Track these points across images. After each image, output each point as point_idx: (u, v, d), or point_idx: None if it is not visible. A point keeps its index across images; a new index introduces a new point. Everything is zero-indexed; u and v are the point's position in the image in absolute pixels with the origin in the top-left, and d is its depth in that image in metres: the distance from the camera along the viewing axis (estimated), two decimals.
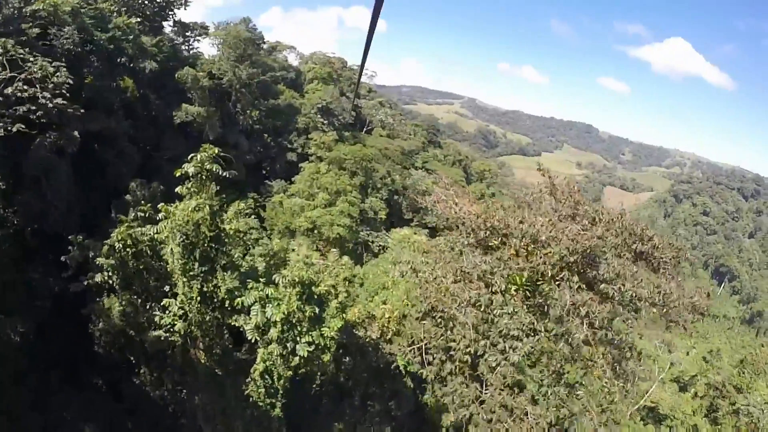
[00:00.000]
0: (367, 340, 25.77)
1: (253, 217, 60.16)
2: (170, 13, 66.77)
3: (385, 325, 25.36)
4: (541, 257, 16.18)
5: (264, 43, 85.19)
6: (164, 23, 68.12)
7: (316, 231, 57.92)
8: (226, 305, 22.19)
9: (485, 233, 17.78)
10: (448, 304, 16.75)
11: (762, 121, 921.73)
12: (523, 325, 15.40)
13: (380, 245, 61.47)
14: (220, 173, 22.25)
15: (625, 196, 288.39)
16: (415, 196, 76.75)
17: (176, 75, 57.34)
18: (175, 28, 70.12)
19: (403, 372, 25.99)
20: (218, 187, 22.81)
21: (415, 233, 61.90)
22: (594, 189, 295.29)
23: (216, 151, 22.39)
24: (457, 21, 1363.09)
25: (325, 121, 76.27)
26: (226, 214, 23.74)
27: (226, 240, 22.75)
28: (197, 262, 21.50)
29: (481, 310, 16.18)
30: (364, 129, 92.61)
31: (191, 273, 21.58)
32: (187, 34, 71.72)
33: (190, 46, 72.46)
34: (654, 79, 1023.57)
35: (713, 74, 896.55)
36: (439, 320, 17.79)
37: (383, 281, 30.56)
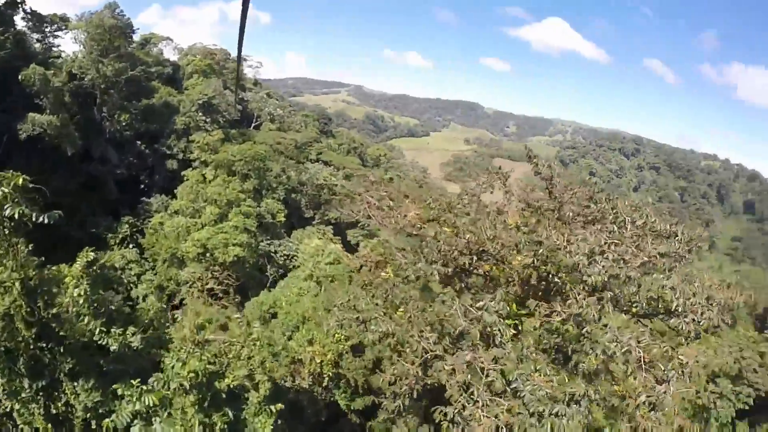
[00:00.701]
0: (296, 388, 20.10)
1: (131, 246, 51.58)
2: (19, 1, 56.08)
3: (317, 370, 19.95)
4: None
5: (134, 33, 72.52)
6: (16, 16, 56.85)
7: (208, 255, 46.35)
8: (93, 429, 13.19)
9: (470, 259, 12.94)
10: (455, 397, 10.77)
11: (635, 88, 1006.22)
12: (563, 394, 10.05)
13: (285, 255, 54.67)
14: (33, 218, 11.56)
15: (514, 165, 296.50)
16: (315, 190, 74.31)
17: (20, 76, 46.77)
18: (29, 22, 59.33)
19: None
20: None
21: (331, 240, 57.04)
22: (483, 162, 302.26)
23: (20, 182, 11.58)
24: (339, 10, 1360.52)
25: (208, 119, 68.37)
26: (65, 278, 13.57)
27: (67, 326, 13.08)
28: (25, 376, 12.63)
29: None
30: (252, 124, 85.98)
31: (22, 396, 12.74)
32: (45, 27, 61.59)
33: (48, 43, 62.67)
34: (534, 56, 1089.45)
35: (589, 49, 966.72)
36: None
37: (302, 310, 24.54)
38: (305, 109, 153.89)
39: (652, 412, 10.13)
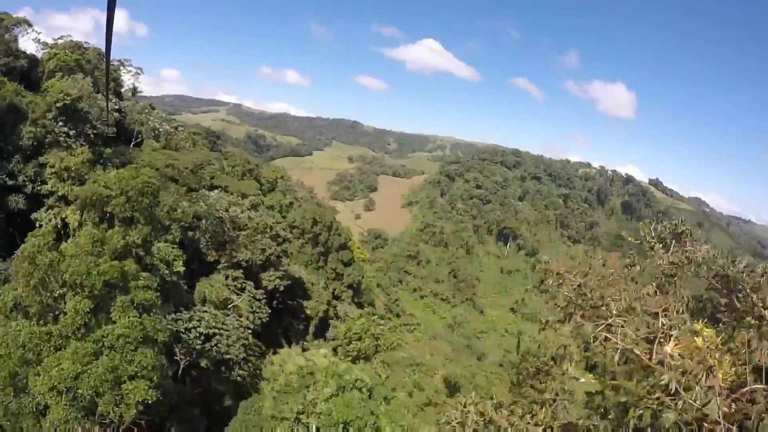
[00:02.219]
0: None
1: None
2: None
3: None
4: None
5: None
6: None
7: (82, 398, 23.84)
8: None
9: None
10: None
11: (505, 104, 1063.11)
12: None
13: (202, 333, 39.01)
14: None
15: (398, 182, 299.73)
16: (217, 226, 59.33)
17: None
18: None
19: None
20: None
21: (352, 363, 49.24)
22: (368, 179, 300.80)
23: None
24: (214, 26, 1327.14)
25: (72, 131, 50.05)
26: None
27: None
28: None
29: None
30: (133, 142, 67.75)
31: None
32: None
33: None
34: (409, 75, 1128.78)
35: (461, 68, 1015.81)
36: None
37: None
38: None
39: None
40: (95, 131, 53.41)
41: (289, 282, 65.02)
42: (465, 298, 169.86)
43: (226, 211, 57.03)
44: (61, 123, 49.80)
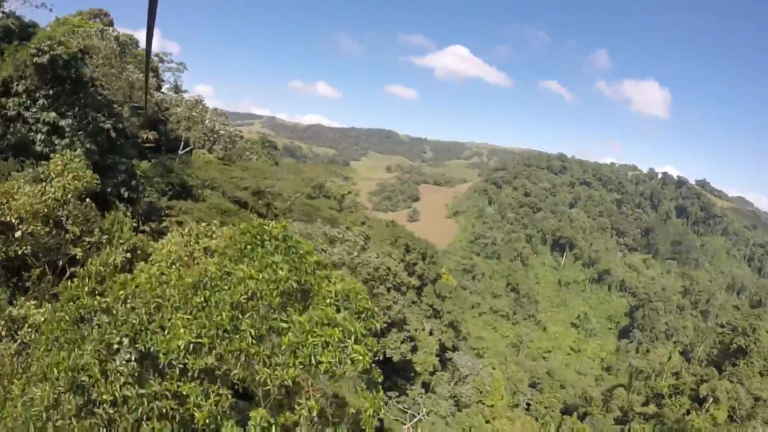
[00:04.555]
0: None
1: None
2: None
3: None
4: None
5: None
6: None
7: None
8: None
9: None
10: None
11: (537, 108, 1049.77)
12: None
13: None
14: None
15: (440, 191, 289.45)
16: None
17: None
18: None
19: None
20: None
21: None
22: (410, 189, 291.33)
23: None
24: (244, 42, 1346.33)
25: (65, 121, 28.49)
26: None
27: None
28: None
29: None
30: (181, 151, 52.19)
31: None
32: None
33: None
34: (439, 83, 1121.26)
35: (491, 74, 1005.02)
36: None
37: None
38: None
39: None
40: (116, 127, 31.92)
41: (412, 342, 52.08)
42: (527, 315, 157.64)
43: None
44: (43, 101, 28.11)
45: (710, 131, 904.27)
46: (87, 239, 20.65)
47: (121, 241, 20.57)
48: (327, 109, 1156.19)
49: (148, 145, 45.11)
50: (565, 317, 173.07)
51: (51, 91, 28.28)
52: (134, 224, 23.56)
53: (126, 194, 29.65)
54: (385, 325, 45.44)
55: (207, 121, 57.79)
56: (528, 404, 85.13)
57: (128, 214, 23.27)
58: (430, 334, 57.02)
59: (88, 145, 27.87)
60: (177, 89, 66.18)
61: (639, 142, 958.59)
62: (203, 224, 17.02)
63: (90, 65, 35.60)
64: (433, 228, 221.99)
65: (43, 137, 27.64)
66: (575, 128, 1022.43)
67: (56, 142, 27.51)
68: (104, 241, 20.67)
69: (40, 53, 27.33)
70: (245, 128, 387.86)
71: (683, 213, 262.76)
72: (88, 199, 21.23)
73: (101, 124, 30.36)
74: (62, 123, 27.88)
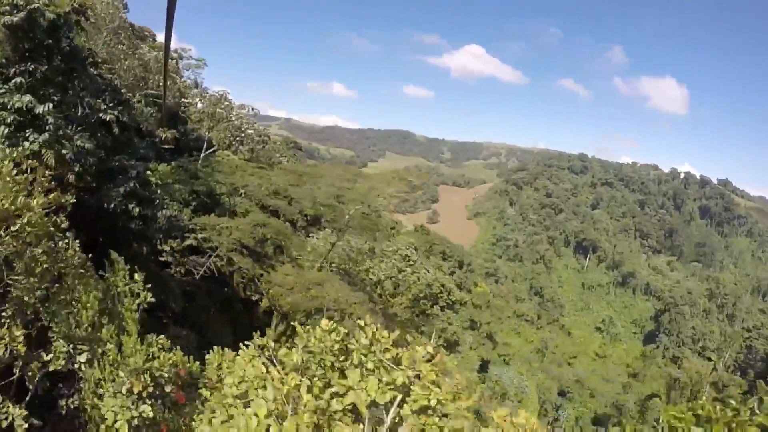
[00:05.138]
0: None
1: None
2: None
3: None
4: None
5: None
6: None
7: None
8: None
9: None
10: None
11: (553, 106, 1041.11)
12: None
13: None
14: None
15: (460, 192, 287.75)
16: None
17: None
18: None
19: None
20: None
21: None
22: (429, 190, 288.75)
23: None
24: (259, 44, 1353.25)
25: (47, 108, 18.91)
26: None
27: None
28: None
29: None
30: (203, 152, 43.94)
31: None
32: None
33: None
34: (455, 82, 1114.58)
35: (506, 73, 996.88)
36: None
37: None
38: None
39: None
40: (122, 120, 23.35)
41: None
42: (551, 319, 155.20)
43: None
44: (20, 79, 19.19)
45: (730, 128, 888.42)
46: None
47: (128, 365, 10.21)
48: (343, 110, 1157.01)
49: (167, 146, 38.05)
50: (590, 321, 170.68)
51: (31, 67, 18.79)
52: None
53: (137, 210, 21.42)
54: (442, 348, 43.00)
55: (234, 119, 50.67)
56: (557, 413, 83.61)
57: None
58: (471, 348, 55.42)
59: (80, 142, 18.67)
60: (197, 87, 59.56)
61: (657, 140, 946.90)
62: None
63: (90, 34, 30.27)
64: (454, 230, 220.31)
65: (6, 130, 17.97)
66: (592, 126, 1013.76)
67: (31, 137, 18.10)
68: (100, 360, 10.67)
69: (14, 10, 19.08)
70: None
71: (707, 213, 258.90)
72: (68, 237, 11.56)
73: (102, 115, 21.35)
74: (40, 110, 17.84)
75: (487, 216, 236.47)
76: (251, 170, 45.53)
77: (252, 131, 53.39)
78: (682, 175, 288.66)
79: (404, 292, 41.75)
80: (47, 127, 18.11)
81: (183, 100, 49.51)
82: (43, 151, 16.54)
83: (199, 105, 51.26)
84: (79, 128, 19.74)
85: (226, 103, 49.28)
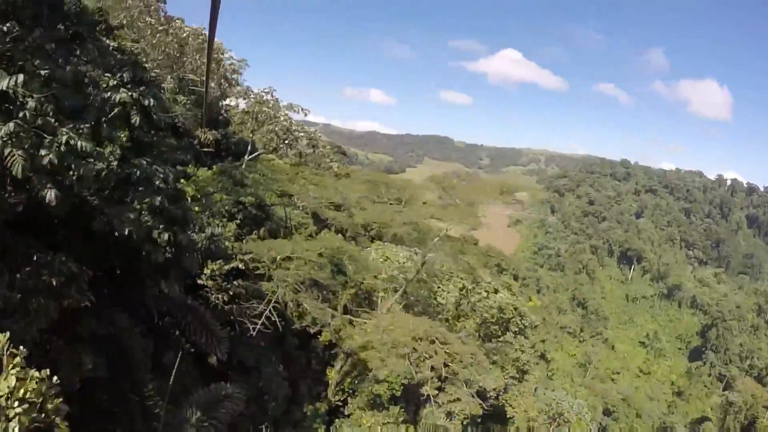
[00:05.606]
0: None
1: None
2: None
3: None
4: None
5: None
6: None
7: None
8: None
9: None
10: None
11: (592, 111, 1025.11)
12: None
13: None
14: None
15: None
16: None
17: None
18: None
19: None
20: None
21: None
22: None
23: None
24: (296, 51, 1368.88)
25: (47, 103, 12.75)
26: None
27: None
28: None
29: None
30: (247, 156, 40.22)
31: None
32: None
33: None
34: (492, 88, 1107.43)
35: (544, 77, 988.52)
36: None
37: None
38: None
39: None
40: (145, 107, 14.66)
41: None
42: (594, 332, 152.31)
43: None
44: None
45: None
46: None
47: None
48: (381, 116, 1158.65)
49: (207, 149, 33.85)
50: (633, 335, 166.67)
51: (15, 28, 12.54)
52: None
53: (165, 236, 14.33)
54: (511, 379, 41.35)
55: (282, 119, 44.32)
56: None
57: None
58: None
59: (71, 139, 11.42)
60: (238, 85, 50.57)
61: (700, 145, 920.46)
62: None
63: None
64: (494, 238, 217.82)
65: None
66: (632, 131, 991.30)
67: None
68: None
69: None
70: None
71: (755, 222, 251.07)
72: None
73: (112, 95, 14.05)
74: (4, 84, 10.84)
75: (528, 224, 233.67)
76: (313, 177, 42.87)
77: (302, 133, 47.86)
78: (729, 183, 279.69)
79: (470, 314, 38.57)
80: (22, 112, 11.02)
81: (224, 102, 46.71)
82: (6, 151, 10.10)
83: (242, 105, 47.19)
84: (73, 116, 12.84)
85: (273, 101, 43.66)
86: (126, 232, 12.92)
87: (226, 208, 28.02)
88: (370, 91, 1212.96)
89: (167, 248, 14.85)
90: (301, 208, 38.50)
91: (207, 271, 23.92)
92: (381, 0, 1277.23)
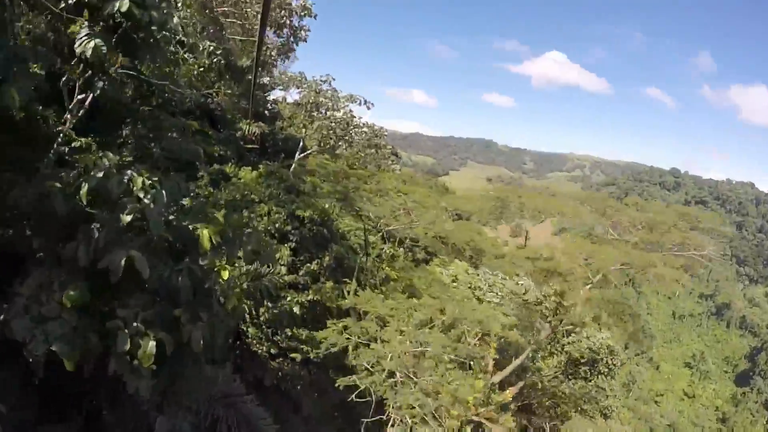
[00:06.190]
0: None
1: None
2: None
3: None
4: None
5: None
6: None
7: None
8: None
9: None
10: None
11: (637, 116, 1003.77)
12: None
13: None
14: None
15: None
16: None
17: None
18: None
19: None
20: None
21: None
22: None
23: None
24: (340, 52, 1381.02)
25: None
26: None
27: None
28: None
29: None
30: (298, 155, 34.63)
31: None
32: None
33: None
34: (536, 91, 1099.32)
35: (589, 80, 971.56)
36: None
37: None
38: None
39: None
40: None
41: None
42: (639, 350, 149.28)
43: None
44: None
45: None
46: None
47: None
48: (424, 117, 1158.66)
49: (251, 146, 28.91)
50: (679, 355, 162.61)
51: None
52: None
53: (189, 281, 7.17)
54: None
55: (341, 112, 36.77)
56: None
57: None
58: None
59: None
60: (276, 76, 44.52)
61: (749, 154, 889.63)
62: None
63: None
64: (538, 245, 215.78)
65: None
66: (678, 138, 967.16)
67: None
68: None
69: None
70: None
71: None
72: None
73: None
74: None
75: (573, 232, 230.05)
76: (391, 184, 32.53)
77: (366, 129, 38.52)
78: None
79: (555, 352, 32.12)
80: None
81: (270, 96, 40.04)
82: None
83: (290, 97, 41.09)
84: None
85: (331, 90, 36.70)
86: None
87: (277, 225, 21.26)
88: (414, 92, 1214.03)
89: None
90: (381, 231, 31.38)
91: (248, 317, 18.76)
92: (425, 1, 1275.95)
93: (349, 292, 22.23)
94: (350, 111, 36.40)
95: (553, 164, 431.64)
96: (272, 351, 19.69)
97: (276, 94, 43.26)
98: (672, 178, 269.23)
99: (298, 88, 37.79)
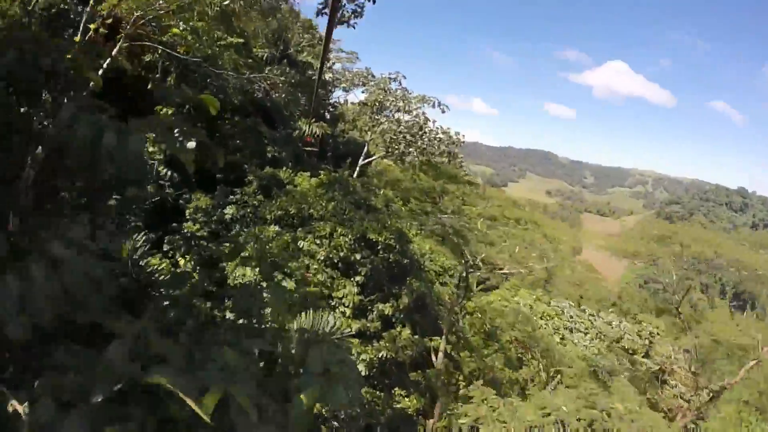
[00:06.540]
0: None
1: None
2: None
3: None
4: None
5: None
6: None
7: None
8: None
9: None
10: None
11: (703, 130, 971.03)
12: None
13: None
14: None
15: (605, 222, 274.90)
16: None
17: None
18: None
19: None
20: None
21: None
22: (571, 217, 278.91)
23: None
24: (398, 59, 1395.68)
25: None
26: None
27: None
28: None
29: None
30: (362, 160, 33.56)
31: None
32: None
33: None
34: (597, 101, 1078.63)
35: (653, 92, 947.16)
36: None
37: None
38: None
39: None
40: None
41: None
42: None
43: None
44: None
45: None
46: None
47: None
48: (484, 126, 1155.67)
49: (309, 148, 26.40)
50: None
51: None
52: None
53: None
54: None
55: (413, 113, 32.94)
56: None
57: None
58: None
59: None
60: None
61: None
62: None
63: None
64: (597, 264, 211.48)
65: None
66: (746, 156, 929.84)
67: None
68: None
69: None
70: None
71: None
72: None
73: None
74: None
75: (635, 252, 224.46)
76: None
77: (442, 135, 33.25)
78: None
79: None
80: None
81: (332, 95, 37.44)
82: None
83: (354, 98, 37.89)
84: None
85: (401, 89, 33.31)
86: None
87: (343, 253, 16.67)
88: (473, 100, 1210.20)
89: None
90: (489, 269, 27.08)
91: None
92: (487, 10, 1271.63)
93: (436, 350, 18.13)
94: (423, 113, 33.06)
95: (613, 179, 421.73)
96: None
97: (338, 95, 40.77)
98: (740, 198, 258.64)
99: (364, 86, 35.12)
